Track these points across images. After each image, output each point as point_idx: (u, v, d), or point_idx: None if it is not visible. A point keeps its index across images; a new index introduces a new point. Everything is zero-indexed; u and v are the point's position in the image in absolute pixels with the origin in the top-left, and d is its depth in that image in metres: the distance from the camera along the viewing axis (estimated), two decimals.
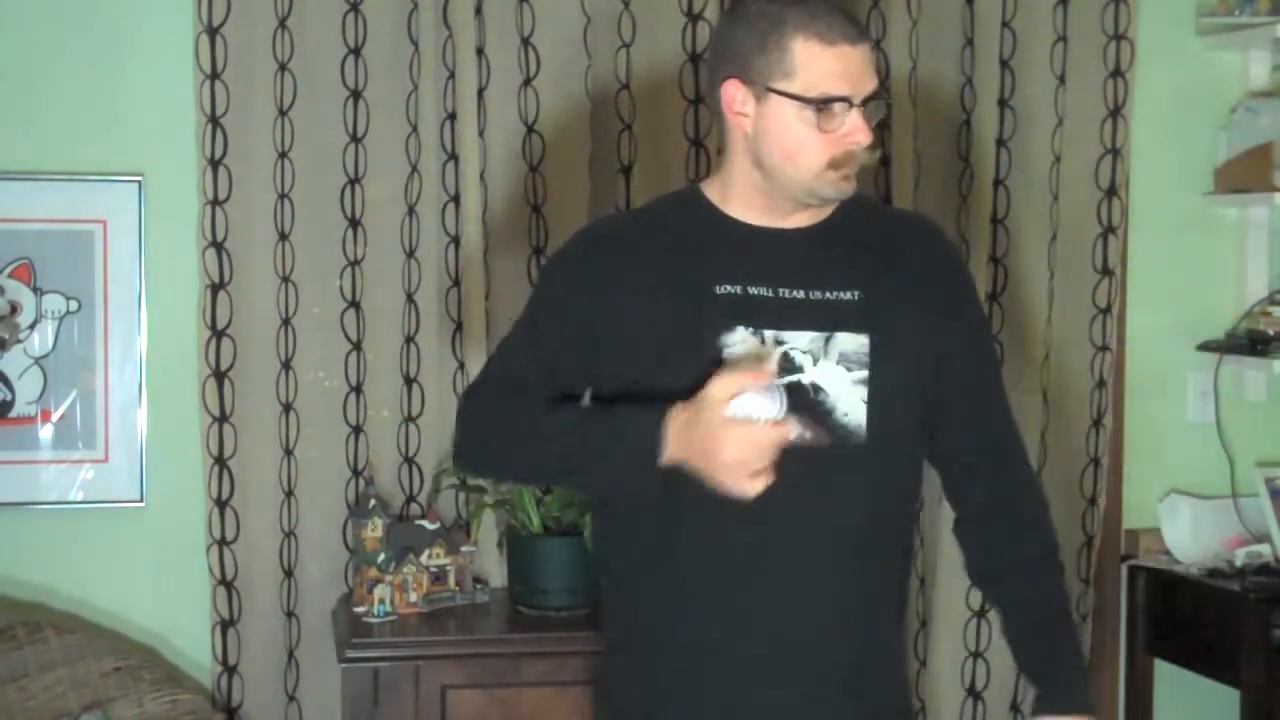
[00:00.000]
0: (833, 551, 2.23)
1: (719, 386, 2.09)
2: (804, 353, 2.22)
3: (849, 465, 2.23)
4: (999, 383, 2.42)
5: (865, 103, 2.18)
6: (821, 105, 2.16)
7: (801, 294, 2.23)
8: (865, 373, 2.22)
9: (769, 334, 2.21)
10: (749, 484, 2.09)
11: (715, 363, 2.18)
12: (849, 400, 2.22)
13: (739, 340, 2.20)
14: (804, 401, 2.19)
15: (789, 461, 2.13)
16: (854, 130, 2.18)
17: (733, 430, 2.08)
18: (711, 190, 2.32)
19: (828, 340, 2.22)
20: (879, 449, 2.23)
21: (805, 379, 2.21)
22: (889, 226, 2.39)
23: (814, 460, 2.18)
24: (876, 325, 2.23)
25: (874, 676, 2.30)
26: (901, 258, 2.31)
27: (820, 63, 2.16)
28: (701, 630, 2.25)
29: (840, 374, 2.22)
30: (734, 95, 2.22)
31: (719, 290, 2.22)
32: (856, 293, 2.24)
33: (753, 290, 2.23)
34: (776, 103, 2.18)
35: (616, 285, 2.27)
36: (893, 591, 2.34)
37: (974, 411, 2.36)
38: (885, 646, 2.34)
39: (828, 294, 2.24)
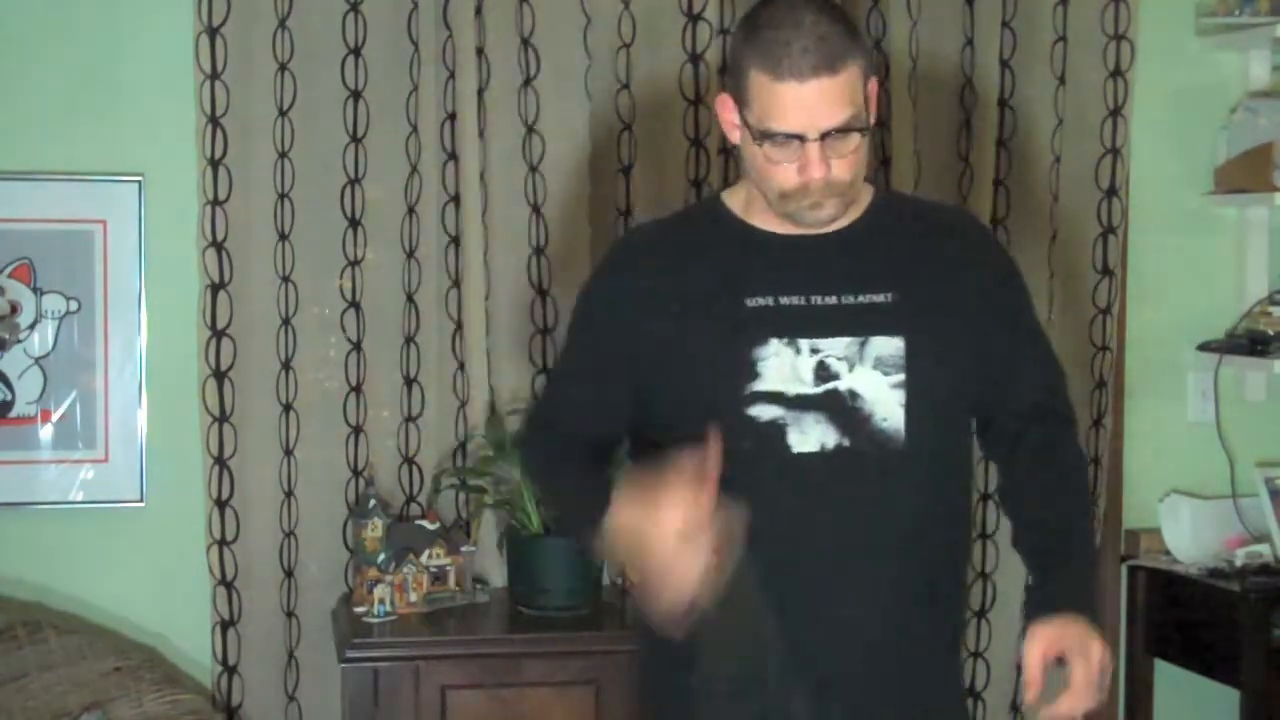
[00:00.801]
0: (877, 559, 2.19)
1: (666, 517, 2.03)
2: (840, 359, 2.19)
3: (890, 471, 2.19)
4: (1050, 368, 2.36)
5: (827, 135, 2.10)
6: (764, 138, 2.13)
7: (834, 299, 2.20)
8: (902, 376, 2.19)
9: (803, 343, 2.18)
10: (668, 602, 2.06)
11: (751, 377, 2.17)
12: (887, 405, 2.18)
13: (773, 352, 2.18)
14: (840, 409, 2.17)
15: (829, 470, 2.14)
16: (806, 165, 2.12)
17: (662, 559, 2.04)
18: (734, 200, 2.30)
19: (863, 345, 2.19)
20: (920, 453, 2.20)
21: (842, 385, 2.18)
22: (923, 222, 2.34)
23: (855, 467, 2.17)
24: (912, 327, 2.20)
25: (923, 680, 2.26)
26: (937, 254, 2.27)
27: (766, 96, 2.11)
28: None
29: (877, 379, 2.19)
30: (725, 107, 2.21)
31: (750, 303, 2.20)
32: (890, 295, 2.21)
33: (784, 300, 2.20)
34: (744, 125, 2.17)
35: (649, 305, 2.24)
36: (944, 594, 2.29)
37: (1024, 399, 2.31)
38: (938, 648, 2.30)
39: (861, 298, 2.21)
